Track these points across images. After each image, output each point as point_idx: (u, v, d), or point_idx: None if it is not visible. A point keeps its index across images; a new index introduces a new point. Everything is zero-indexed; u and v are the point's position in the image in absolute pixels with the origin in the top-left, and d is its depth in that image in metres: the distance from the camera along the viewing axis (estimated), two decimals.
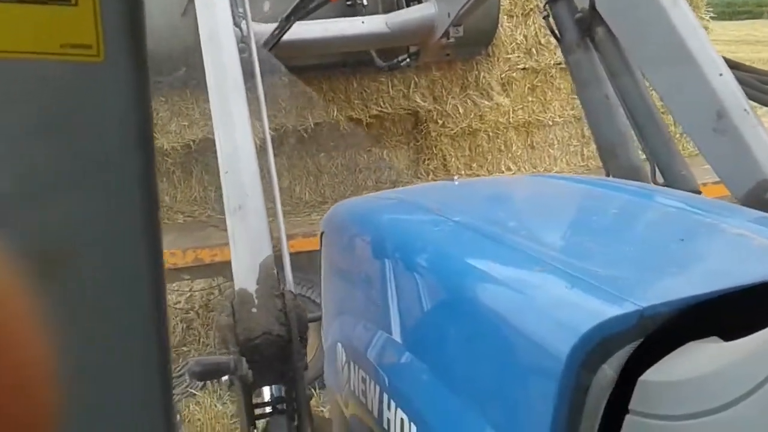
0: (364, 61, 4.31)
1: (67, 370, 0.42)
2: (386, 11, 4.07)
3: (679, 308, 0.86)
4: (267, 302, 1.59)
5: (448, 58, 4.52)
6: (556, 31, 2.28)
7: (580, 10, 2.13)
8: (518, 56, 4.84)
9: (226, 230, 1.81)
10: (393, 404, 1.28)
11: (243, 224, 1.79)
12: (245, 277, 1.66)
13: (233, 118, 2.02)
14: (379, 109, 4.72)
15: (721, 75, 1.79)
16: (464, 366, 1.14)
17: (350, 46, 4.03)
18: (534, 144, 5.06)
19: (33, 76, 0.44)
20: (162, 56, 3.68)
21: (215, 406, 4.24)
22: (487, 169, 4.89)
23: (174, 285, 5.07)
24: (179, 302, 5.53)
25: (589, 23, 2.09)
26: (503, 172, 4.88)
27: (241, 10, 2.60)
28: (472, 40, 4.34)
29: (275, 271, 1.69)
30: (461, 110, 4.84)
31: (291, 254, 2.01)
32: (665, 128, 2.07)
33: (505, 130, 4.86)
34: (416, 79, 4.70)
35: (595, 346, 0.85)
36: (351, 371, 1.55)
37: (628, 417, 0.80)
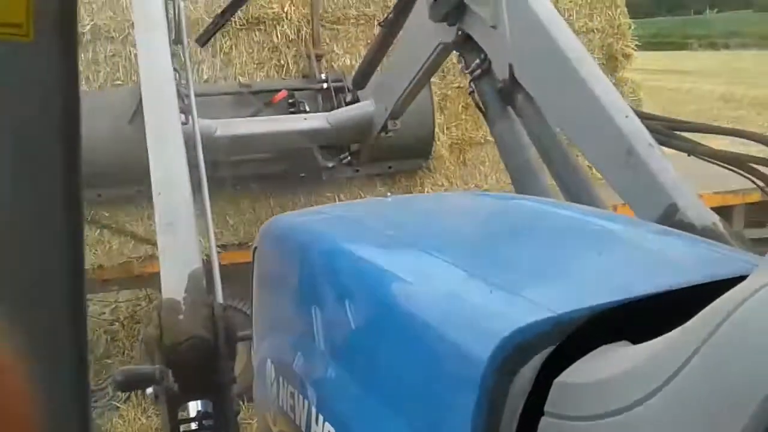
0: (308, 164, 4.36)
1: None
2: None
3: (592, 314, 0.89)
4: (194, 310, 1.57)
5: (390, 170, 4.73)
6: (481, 105, 2.56)
7: (501, 81, 2.36)
8: (453, 75, 4.96)
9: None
10: (321, 418, 1.28)
11: (173, 237, 1.78)
12: (173, 286, 1.64)
13: (167, 142, 2.07)
14: None
15: (627, 117, 1.99)
16: (389, 375, 1.15)
17: (292, 142, 4.11)
18: (466, 161, 5.21)
19: None
20: (105, 166, 3.58)
21: (139, 419, 4.16)
22: (420, 185, 5.00)
23: (99, 295, 4.94)
24: (104, 313, 5.38)
25: (510, 92, 2.33)
26: (434, 188, 4.99)
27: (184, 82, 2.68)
28: (411, 153, 4.62)
29: (203, 282, 1.67)
30: None
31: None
32: (584, 175, 2.28)
33: (438, 147, 4.95)
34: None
35: (513, 351, 0.87)
36: (280, 387, 1.54)
37: (543, 419, 0.82)
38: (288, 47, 4.68)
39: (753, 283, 0.70)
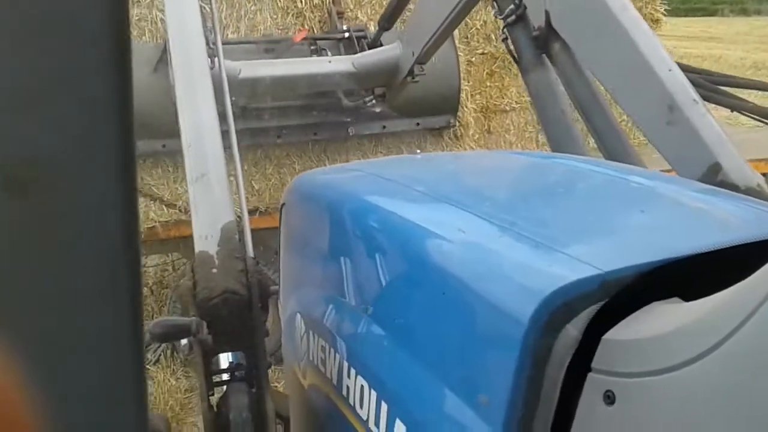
0: (332, 108, 4.29)
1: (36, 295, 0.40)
2: None
3: (640, 271, 0.87)
4: (228, 263, 1.57)
5: (418, 127, 4.63)
6: (514, 53, 2.44)
7: (536, 29, 2.27)
8: (477, 41, 4.93)
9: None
10: (353, 371, 1.28)
11: (204, 191, 1.77)
12: (206, 240, 1.64)
13: (197, 95, 2.04)
14: None
15: (670, 70, 1.91)
16: (425, 332, 1.14)
17: (317, 86, 4.05)
18: (491, 129, 5.17)
19: None
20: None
21: (168, 380, 4.22)
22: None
23: None
24: None
25: (545, 39, 2.25)
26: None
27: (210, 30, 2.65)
28: (439, 109, 4.54)
29: (236, 236, 1.67)
30: None
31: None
32: (621, 131, 2.23)
33: (465, 115, 4.89)
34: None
35: (558, 307, 0.86)
36: (310, 341, 1.54)
37: (590, 375, 0.81)
38: (312, 12, 4.67)
39: None
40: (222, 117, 2.08)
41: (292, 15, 4.65)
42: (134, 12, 4.41)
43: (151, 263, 5.32)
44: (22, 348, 0.38)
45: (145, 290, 5.35)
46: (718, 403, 0.70)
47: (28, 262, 0.41)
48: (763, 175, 4.80)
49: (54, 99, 0.43)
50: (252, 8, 4.61)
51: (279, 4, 4.68)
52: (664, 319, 0.80)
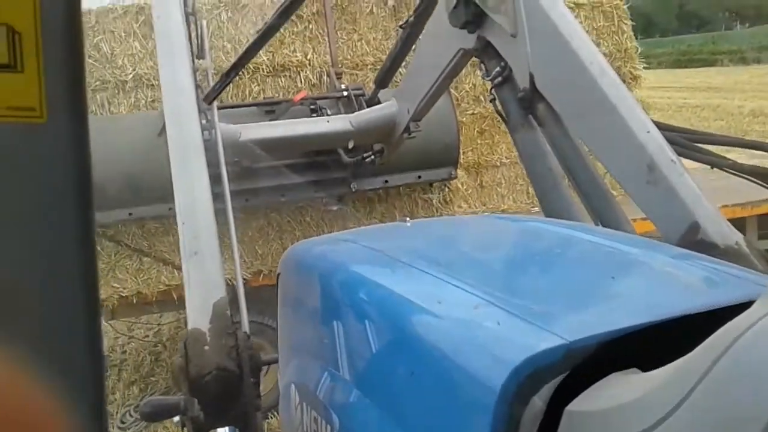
0: (330, 161, 4.39)
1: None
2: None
3: (603, 341, 0.90)
4: (219, 340, 1.60)
5: (420, 180, 4.73)
6: (502, 113, 2.49)
7: (521, 90, 2.32)
8: (468, 103, 5.14)
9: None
10: None
11: (198, 267, 1.81)
12: (198, 317, 1.67)
13: (191, 173, 2.10)
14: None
15: (648, 132, 1.97)
16: (408, 403, 1.17)
17: (317, 145, 4.15)
18: (483, 183, 5.32)
19: None
20: (137, 183, 3.72)
21: None
22: (439, 208, 5.07)
23: (143, 318, 5.20)
24: (147, 336, 5.69)
25: (531, 101, 2.29)
26: (455, 212, 5.05)
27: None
28: (439, 162, 4.63)
29: (228, 312, 1.70)
30: None
31: None
32: (605, 187, 2.25)
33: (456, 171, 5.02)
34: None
35: (526, 378, 0.89)
36: (303, 412, 1.56)
37: None
38: (311, 90, 4.86)
39: (756, 312, 0.71)
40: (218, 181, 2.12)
41: (293, 93, 4.82)
42: (149, 94, 4.65)
43: (165, 321, 5.45)
44: None
45: (160, 346, 5.51)
46: None
47: None
48: (742, 219, 4.84)
49: (24, 244, 0.48)
50: (256, 88, 4.82)
51: (280, 84, 4.88)
52: (622, 390, 0.82)
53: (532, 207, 5.24)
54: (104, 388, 0.52)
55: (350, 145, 4.04)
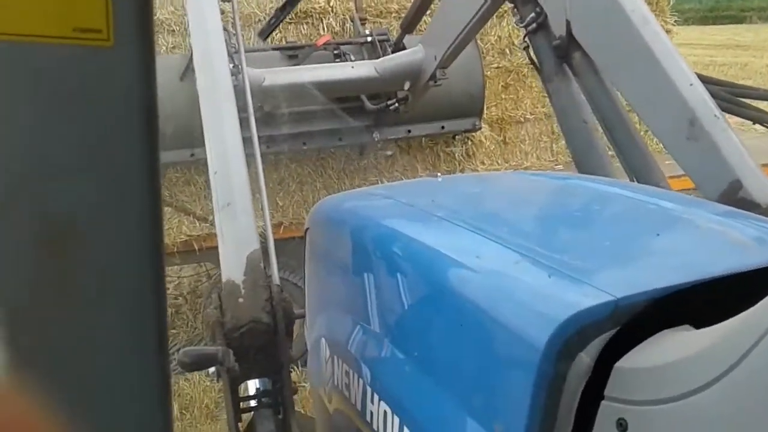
0: (353, 108, 4.32)
1: (68, 347, 0.43)
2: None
3: (652, 298, 0.88)
4: (254, 293, 1.61)
5: (443, 130, 4.63)
6: (536, 61, 2.41)
7: (557, 38, 2.23)
8: (492, 56, 5.01)
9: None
10: (376, 397, 1.30)
11: (230, 220, 1.81)
12: (232, 269, 1.68)
13: (223, 121, 2.08)
14: None
15: (691, 85, 1.89)
16: (445, 357, 1.16)
17: (340, 91, 4.07)
18: (506, 139, 5.24)
19: (45, 59, 0.45)
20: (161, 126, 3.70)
21: (204, 381, 4.35)
22: (461, 164, 5.00)
23: None
24: (168, 288, 5.74)
25: (567, 49, 2.21)
26: (477, 167, 4.96)
27: (234, 41, 2.67)
28: (464, 112, 4.53)
29: (262, 265, 1.70)
30: None
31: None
32: (643, 143, 2.17)
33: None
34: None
35: (572, 335, 0.87)
36: (334, 366, 1.57)
37: (603, 403, 0.83)
38: (334, 38, 4.75)
39: None
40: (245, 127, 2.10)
41: (316, 41, 4.75)
42: (170, 41, 4.64)
43: (185, 274, 5.54)
44: (54, 395, 0.41)
45: (180, 299, 5.59)
46: (729, 429, 0.71)
47: (62, 314, 0.45)
48: None
49: (85, 163, 0.47)
50: (278, 35, 4.72)
51: (302, 32, 4.79)
52: (674, 346, 0.81)
53: (556, 164, 5.17)
54: (166, 320, 0.51)
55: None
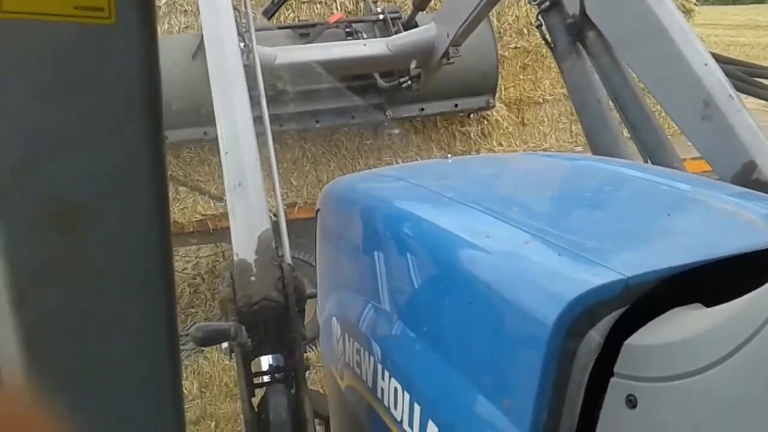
0: (365, 86, 4.30)
1: (77, 322, 0.44)
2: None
3: (663, 277, 0.88)
4: (265, 271, 1.62)
5: (456, 109, 4.59)
6: (549, 40, 2.39)
7: (571, 16, 2.22)
8: (510, 36, 4.94)
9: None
10: (387, 374, 1.31)
11: (242, 199, 1.82)
12: (244, 248, 1.69)
13: (233, 102, 2.07)
14: None
15: (706, 65, 1.86)
16: (455, 335, 1.17)
17: (352, 69, 4.05)
18: (525, 121, 5.18)
19: (47, 37, 0.45)
20: (172, 105, 3.69)
21: (222, 360, 4.42)
22: (477, 144, 4.97)
23: (181, 251, 5.33)
24: (186, 268, 5.83)
25: (580, 28, 2.19)
26: (494, 149, 4.93)
27: (244, 21, 2.67)
28: (477, 90, 4.47)
29: (273, 244, 1.72)
30: None
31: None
32: (657, 122, 2.15)
33: (497, 107, 4.90)
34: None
35: (582, 312, 0.88)
36: (346, 344, 1.58)
37: (613, 379, 0.83)
38: (347, 17, 4.72)
39: None
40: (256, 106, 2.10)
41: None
42: (182, 20, 4.65)
43: (203, 254, 5.59)
44: (61, 374, 0.42)
45: (198, 279, 5.66)
46: (740, 406, 0.71)
47: (72, 291, 0.45)
48: None
49: (94, 144, 0.47)
50: (290, 15, 4.71)
51: (315, 11, 4.77)
52: (685, 324, 0.81)
53: (575, 146, 5.12)
54: (174, 300, 0.52)
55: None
